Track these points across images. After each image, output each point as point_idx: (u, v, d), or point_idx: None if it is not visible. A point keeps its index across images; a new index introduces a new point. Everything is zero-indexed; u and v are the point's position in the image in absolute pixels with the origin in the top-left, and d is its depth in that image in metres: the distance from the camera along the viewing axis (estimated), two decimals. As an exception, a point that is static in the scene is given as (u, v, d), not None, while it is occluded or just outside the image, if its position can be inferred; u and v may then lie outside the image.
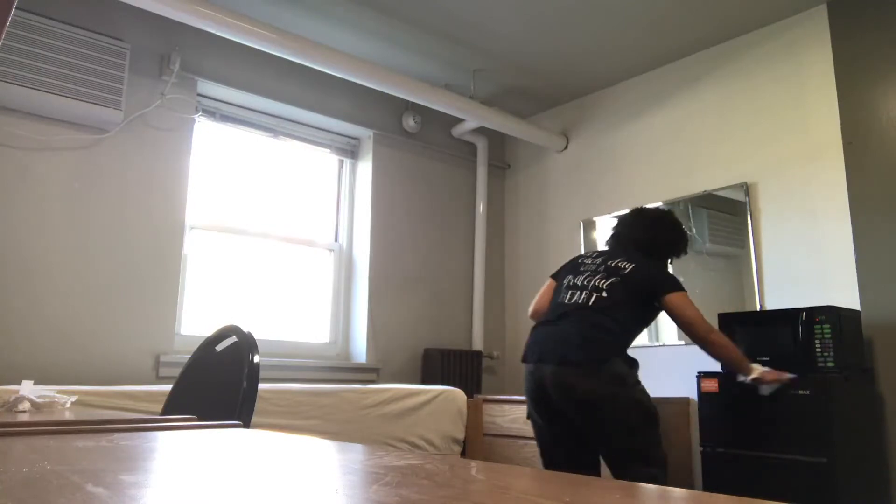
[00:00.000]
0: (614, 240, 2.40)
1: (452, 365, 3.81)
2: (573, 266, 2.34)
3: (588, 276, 2.22)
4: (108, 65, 2.86)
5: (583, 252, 2.43)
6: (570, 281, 2.27)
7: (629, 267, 2.17)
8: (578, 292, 2.18)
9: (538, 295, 2.41)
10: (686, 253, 2.42)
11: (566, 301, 2.20)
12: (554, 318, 2.20)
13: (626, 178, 3.80)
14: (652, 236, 2.32)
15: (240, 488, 0.47)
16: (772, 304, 3.07)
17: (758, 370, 2.24)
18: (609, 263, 2.22)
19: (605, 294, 2.12)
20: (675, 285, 2.16)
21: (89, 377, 2.76)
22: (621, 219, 2.43)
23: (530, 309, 2.42)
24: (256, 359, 1.41)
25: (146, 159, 3.05)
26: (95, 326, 2.81)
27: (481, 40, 3.46)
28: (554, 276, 2.42)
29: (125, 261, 2.93)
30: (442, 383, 3.55)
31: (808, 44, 3.13)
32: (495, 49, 3.55)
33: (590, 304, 2.12)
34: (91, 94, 2.80)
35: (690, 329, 2.12)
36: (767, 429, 2.50)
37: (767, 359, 2.62)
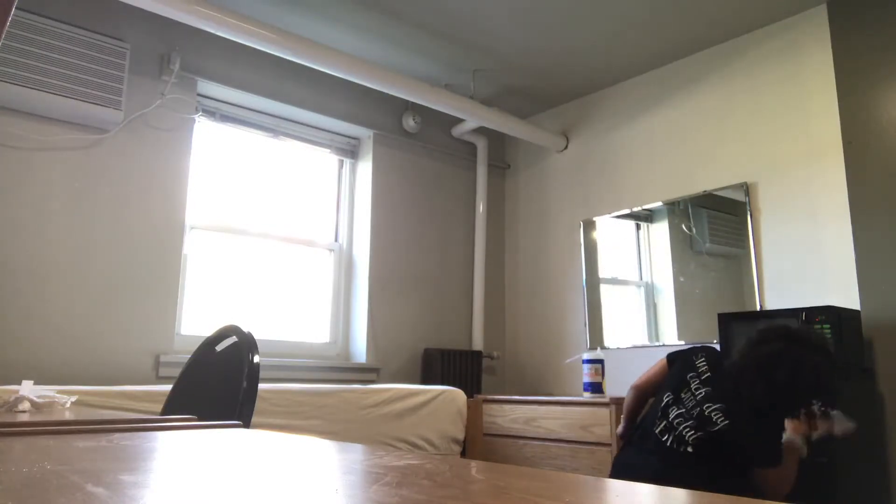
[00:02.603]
0: (728, 374, 1.95)
1: (452, 365, 3.81)
2: (680, 380, 2.02)
3: (682, 415, 1.95)
4: (108, 65, 2.86)
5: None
6: (669, 403, 1.99)
7: (721, 424, 1.86)
8: (668, 434, 1.95)
9: (651, 371, 2.19)
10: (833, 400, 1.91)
11: (657, 431, 1.98)
12: (642, 448, 2.01)
13: (626, 178, 3.80)
14: (780, 406, 1.88)
15: (240, 488, 0.47)
16: (772, 304, 3.07)
17: (791, 432, 1.94)
18: (704, 409, 1.91)
19: (689, 449, 1.89)
20: (772, 460, 1.81)
21: (89, 377, 2.76)
22: (751, 357, 1.91)
23: (637, 380, 2.22)
24: (256, 359, 1.41)
25: (146, 159, 3.05)
26: (95, 326, 2.81)
27: (481, 40, 3.46)
28: (669, 361, 2.14)
29: (125, 261, 2.93)
30: (442, 383, 3.55)
31: (808, 44, 3.13)
32: (495, 49, 3.55)
33: (678, 457, 1.91)
34: (91, 94, 2.80)
35: (774, 493, 1.85)
36: (767, 429, 2.49)
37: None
